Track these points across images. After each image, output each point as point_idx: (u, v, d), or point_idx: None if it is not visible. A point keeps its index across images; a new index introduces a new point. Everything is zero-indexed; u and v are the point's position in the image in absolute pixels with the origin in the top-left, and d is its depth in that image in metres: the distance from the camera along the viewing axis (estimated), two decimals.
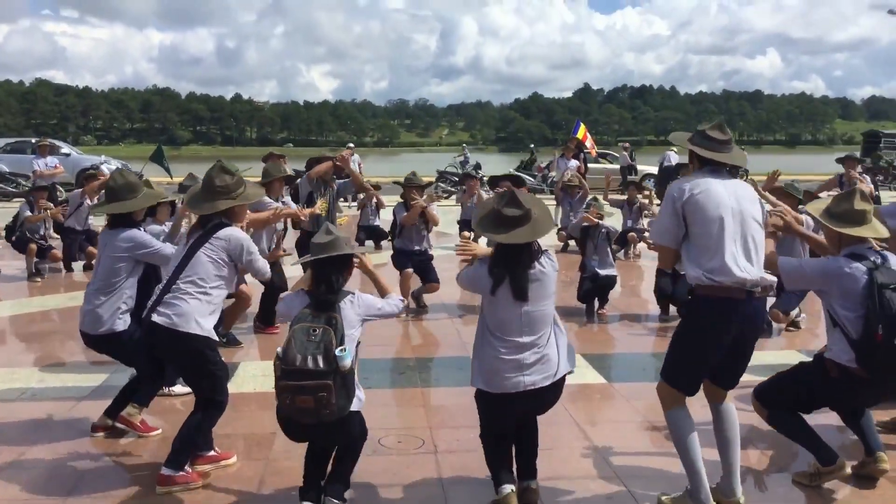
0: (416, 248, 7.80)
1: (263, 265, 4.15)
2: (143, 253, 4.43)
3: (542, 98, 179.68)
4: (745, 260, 3.39)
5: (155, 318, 3.79)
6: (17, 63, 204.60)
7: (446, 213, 14.99)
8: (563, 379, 3.52)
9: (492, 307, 3.47)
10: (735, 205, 3.42)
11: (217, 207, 3.90)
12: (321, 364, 3.18)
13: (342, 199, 12.81)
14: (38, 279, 9.48)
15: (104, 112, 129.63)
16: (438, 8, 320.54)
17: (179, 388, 5.12)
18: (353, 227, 12.63)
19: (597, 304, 7.79)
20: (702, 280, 3.39)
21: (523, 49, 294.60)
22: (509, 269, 3.39)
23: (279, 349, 3.27)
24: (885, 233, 3.80)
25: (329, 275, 3.44)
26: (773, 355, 5.96)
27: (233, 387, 5.42)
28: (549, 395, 3.50)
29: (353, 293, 3.51)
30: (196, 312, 3.79)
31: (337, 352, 3.19)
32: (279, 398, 3.28)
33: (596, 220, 7.66)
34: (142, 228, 4.65)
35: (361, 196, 12.07)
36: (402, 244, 7.87)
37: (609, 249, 7.84)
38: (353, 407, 3.35)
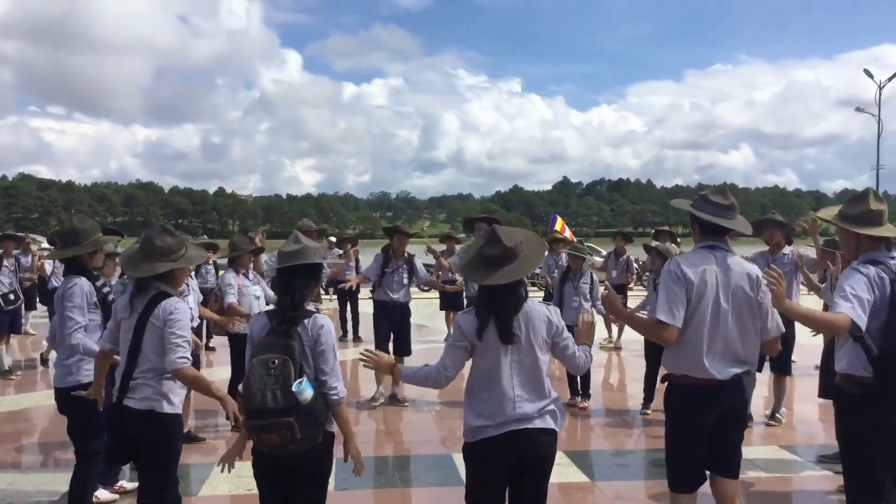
0: (395, 297, 7.77)
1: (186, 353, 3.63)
2: (62, 308, 4.26)
3: (522, 191, 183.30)
4: (722, 358, 3.39)
5: (127, 402, 3.58)
6: (3, 158, 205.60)
7: (427, 304, 15.03)
8: (555, 432, 3.24)
9: (479, 357, 3.25)
10: (724, 292, 3.37)
11: (156, 269, 3.66)
12: (280, 400, 2.97)
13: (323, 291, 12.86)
14: (13, 376, 9.31)
15: (87, 206, 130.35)
16: (421, 105, 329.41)
17: (130, 485, 4.99)
18: (337, 319, 12.59)
19: (574, 395, 7.63)
20: (674, 371, 3.41)
21: (504, 143, 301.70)
22: (494, 312, 3.18)
23: (240, 386, 3.13)
24: None
25: (294, 286, 3.20)
26: (754, 450, 5.92)
27: (207, 489, 5.31)
28: (544, 440, 3.20)
29: (316, 312, 3.27)
30: (168, 391, 3.63)
31: (294, 386, 2.98)
32: (249, 436, 3.14)
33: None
34: (105, 281, 4.61)
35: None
36: (379, 295, 7.87)
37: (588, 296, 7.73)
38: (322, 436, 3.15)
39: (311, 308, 3.29)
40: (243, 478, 5.47)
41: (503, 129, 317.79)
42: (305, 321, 3.18)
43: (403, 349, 7.82)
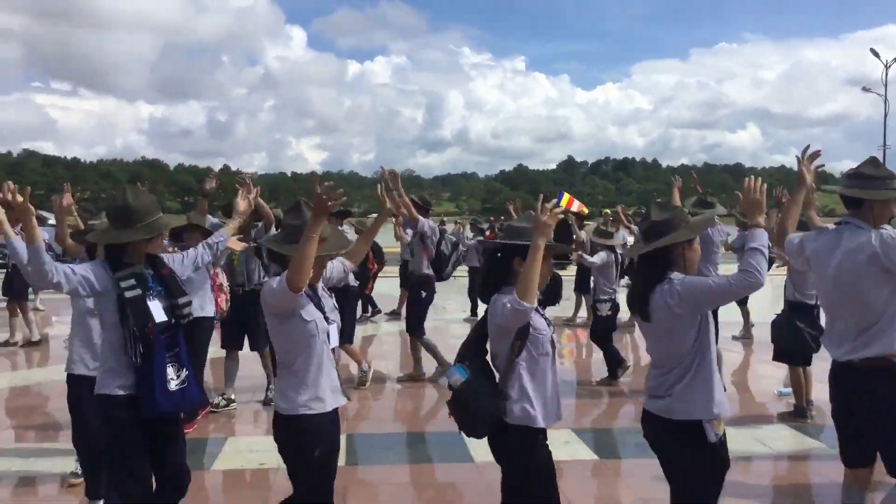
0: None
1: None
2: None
3: (527, 170, 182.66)
4: (838, 336, 3.60)
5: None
6: (6, 134, 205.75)
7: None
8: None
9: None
10: (840, 270, 3.53)
11: (135, 236, 3.45)
12: None
13: None
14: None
15: (92, 183, 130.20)
16: (425, 83, 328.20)
17: None
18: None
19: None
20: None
21: (508, 122, 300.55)
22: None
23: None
24: None
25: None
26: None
27: (220, 463, 5.38)
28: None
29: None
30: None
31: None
32: None
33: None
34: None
35: None
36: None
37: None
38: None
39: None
40: (255, 452, 5.56)
41: (508, 107, 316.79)
42: None
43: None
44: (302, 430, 3.18)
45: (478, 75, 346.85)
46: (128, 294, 3.35)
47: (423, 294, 7.87)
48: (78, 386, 4.30)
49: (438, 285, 8.05)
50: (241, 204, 4.34)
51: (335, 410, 3.27)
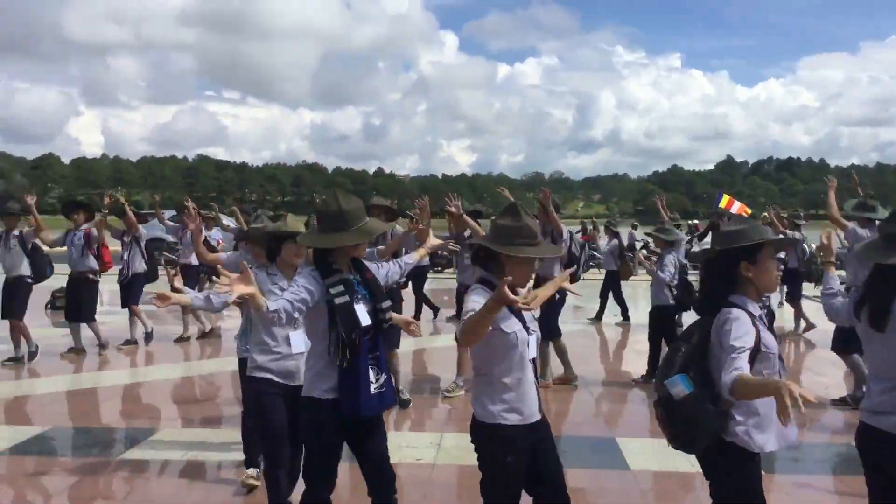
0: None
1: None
2: None
3: (681, 170, 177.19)
4: None
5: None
6: (183, 141, 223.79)
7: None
8: None
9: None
10: None
11: (347, 240, 3.52)
12: None
13: None
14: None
15: (258, 186, 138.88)
16: (575, 84, 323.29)
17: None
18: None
19: None
20: None
21: (662, 121, 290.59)
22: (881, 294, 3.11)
23: None
24: None
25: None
26: None
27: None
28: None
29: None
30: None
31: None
32: None
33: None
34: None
35: None
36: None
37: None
38: None
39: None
40: (412, 448, 5.69)
41: (662, 106, 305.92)
42: None
43: None
44: (494, 439, 3.16)
45: (630, 74, 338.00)
46: (337, 301, 3.42)
47: (557, 296, 7.80)
48: (244, 367, 4.68)
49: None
50: (432, 241, 4.52)
51: (532, 425, 3.20)
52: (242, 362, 4.84)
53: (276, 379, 4.16)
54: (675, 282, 7.84)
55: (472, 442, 3.25)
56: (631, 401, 7.78)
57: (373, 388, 3.44)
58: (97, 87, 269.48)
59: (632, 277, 13.23)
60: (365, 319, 3.47)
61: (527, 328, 3.20)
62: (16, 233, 9.01)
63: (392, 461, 3.35)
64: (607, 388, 8.19)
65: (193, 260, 10.40)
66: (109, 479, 5.32)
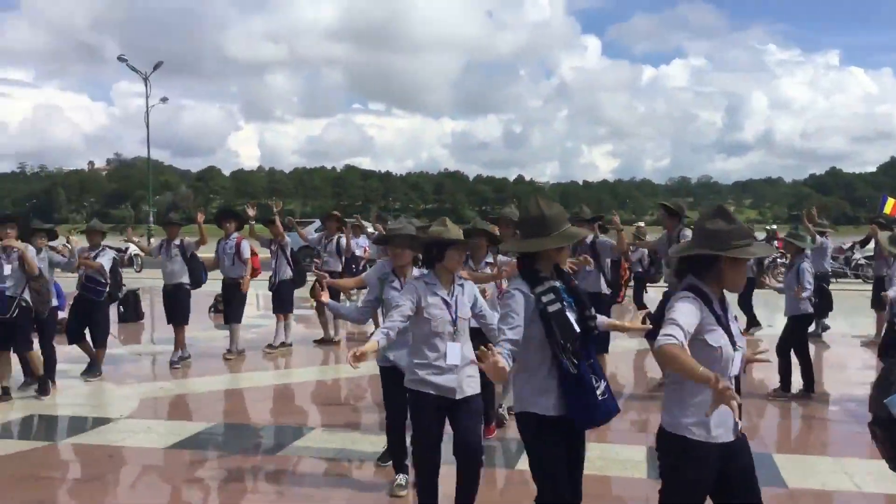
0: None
1: None
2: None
3: (840, 173, 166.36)
4: None
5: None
6: (331, 151, 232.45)
7: None
8: None
9: None
10: None
11: (550, 244, 3.51)
12: None
13: None
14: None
15: (402, 194, 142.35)
16: (725, 84, 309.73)
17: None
18: None
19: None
20: None
21: (819, 122, 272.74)
22: None
23: None
24: None
25: None
26: None
27: None
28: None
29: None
30: None
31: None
32: None
33: None
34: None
35: None
36: None
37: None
38: None
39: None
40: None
41: (819, 106, 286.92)
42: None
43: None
44: (679, 451, 3.05)
45: (784, 73, 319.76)
46: (550, 308, 3.36)
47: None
48: (387, 376, 5.04)
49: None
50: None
51: (723, 444, 3.04)
52: (384, 370, 5.10)
53: (433, 393, 4.22)
54: (808, 290, 7.62)
55: (656, 450, 3.17)
56: (785, 416, 7.42)
57: (598, 396, 3.37)
58: (255, 102, 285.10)
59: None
60: (576, 327, 3.40)
61: (734, 343, 3.07)
62: (177, 242, 9.60)
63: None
64: (758, 401, 7.77)
65: (336, 267, 10.80)
66: (263, 475, 5.65)
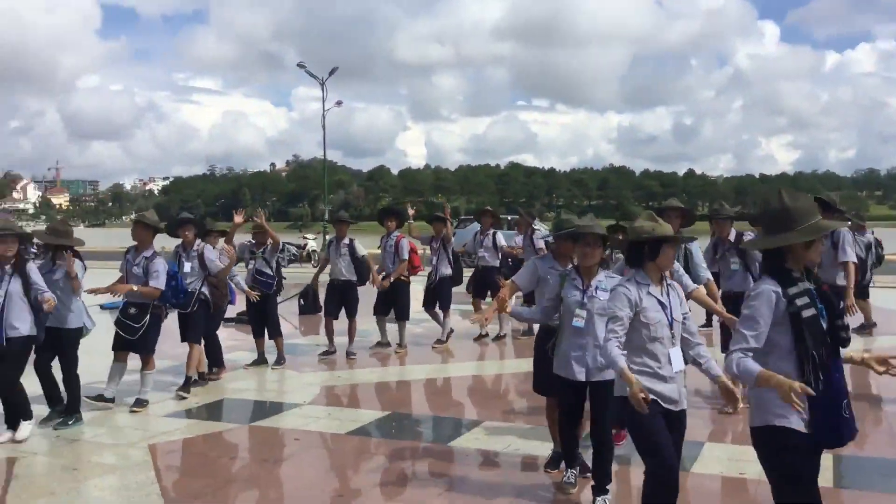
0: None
1: None
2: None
3: None
4: None
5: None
6: (495, 149, 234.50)
7: None
8: None
9: None
10: None
11: (792, 239, 3.22)
12: None
13: None
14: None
15: (566, 190, 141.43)
16: None
17: None
18: None
19: None
20: None
21: None
22: None
23: None
24: None
25: None
26: None
27: (699, 466, 5.32)
28: None
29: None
30: None
31: None
32: None
33: None
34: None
35: None
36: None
37: None
38: None
39: None
40: (736, 461, 5.38)
41: None
42: None
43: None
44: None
45: None
46: (804, 314, 3.08)
47: None
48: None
49: None
50: None
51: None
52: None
53: (660, 402, 3.81)
54: None
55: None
56: None
57: (847, 412, 3.09)
58: (422, 103, 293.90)
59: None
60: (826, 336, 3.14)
61: None
62: (346, 241, 9.97)
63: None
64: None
65: (494, 262, 10.88)
66: (436, 465, 5.80)
